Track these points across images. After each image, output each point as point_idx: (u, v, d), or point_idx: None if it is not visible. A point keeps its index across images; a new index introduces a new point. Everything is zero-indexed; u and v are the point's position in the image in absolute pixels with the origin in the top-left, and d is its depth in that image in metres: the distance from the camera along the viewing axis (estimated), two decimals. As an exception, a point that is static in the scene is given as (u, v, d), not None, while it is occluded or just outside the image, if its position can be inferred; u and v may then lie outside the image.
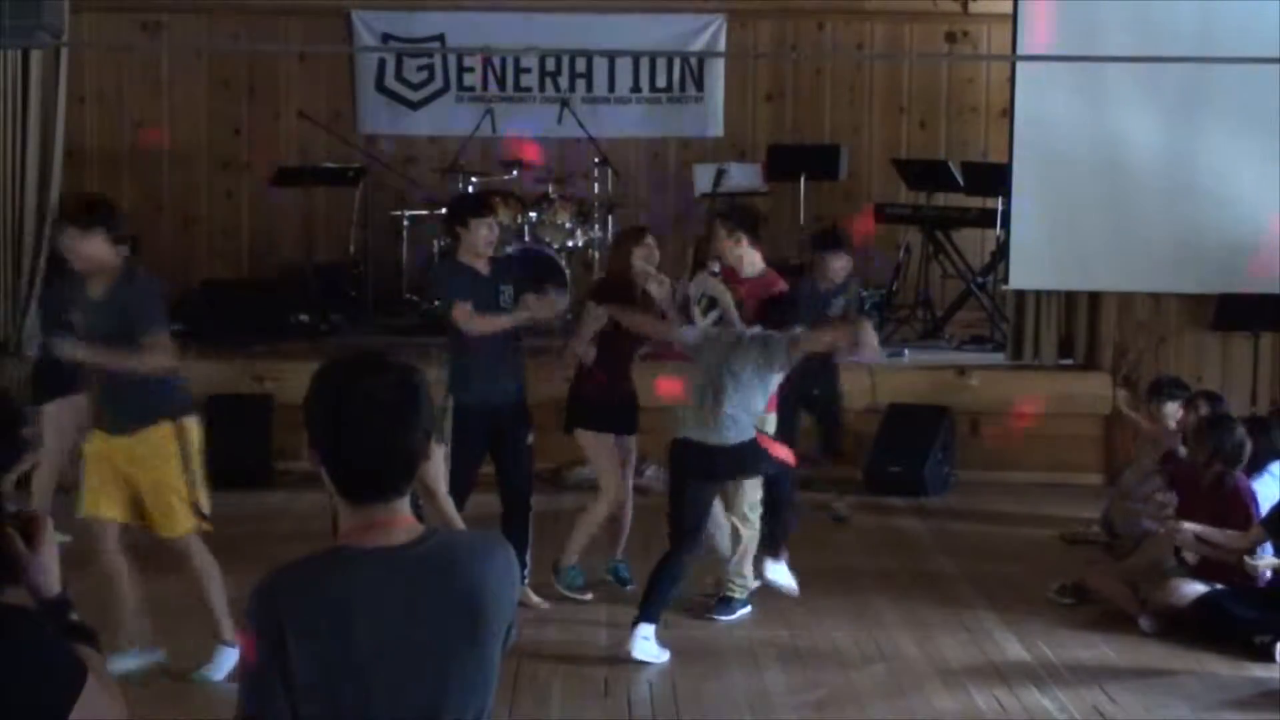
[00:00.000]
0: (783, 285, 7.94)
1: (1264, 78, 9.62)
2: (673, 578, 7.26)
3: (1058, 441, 10.70)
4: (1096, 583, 7.98)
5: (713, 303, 7.81)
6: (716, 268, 8.04)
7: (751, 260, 7.95)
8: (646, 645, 7.11)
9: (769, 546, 7.54)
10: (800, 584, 7.62)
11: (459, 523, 7.54)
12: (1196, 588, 7.52)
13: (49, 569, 2.96)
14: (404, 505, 2.81)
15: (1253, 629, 7.26)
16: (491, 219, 7.83)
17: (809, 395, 8.96)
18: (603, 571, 8.12)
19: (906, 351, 11.37)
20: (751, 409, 7.22)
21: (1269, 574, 7.45)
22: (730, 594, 7.77)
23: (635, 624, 7.13)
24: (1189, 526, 7.53)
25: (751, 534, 7.77)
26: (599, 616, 7.73)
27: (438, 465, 7.49)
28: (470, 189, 11.99)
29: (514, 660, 6.61)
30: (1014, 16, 10.33)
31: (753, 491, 7.67)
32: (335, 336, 11.68)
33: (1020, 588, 8.25)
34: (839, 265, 9.15)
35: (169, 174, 13.13)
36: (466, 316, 7.52)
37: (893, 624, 7.70)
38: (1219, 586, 7.51)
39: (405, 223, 12.39)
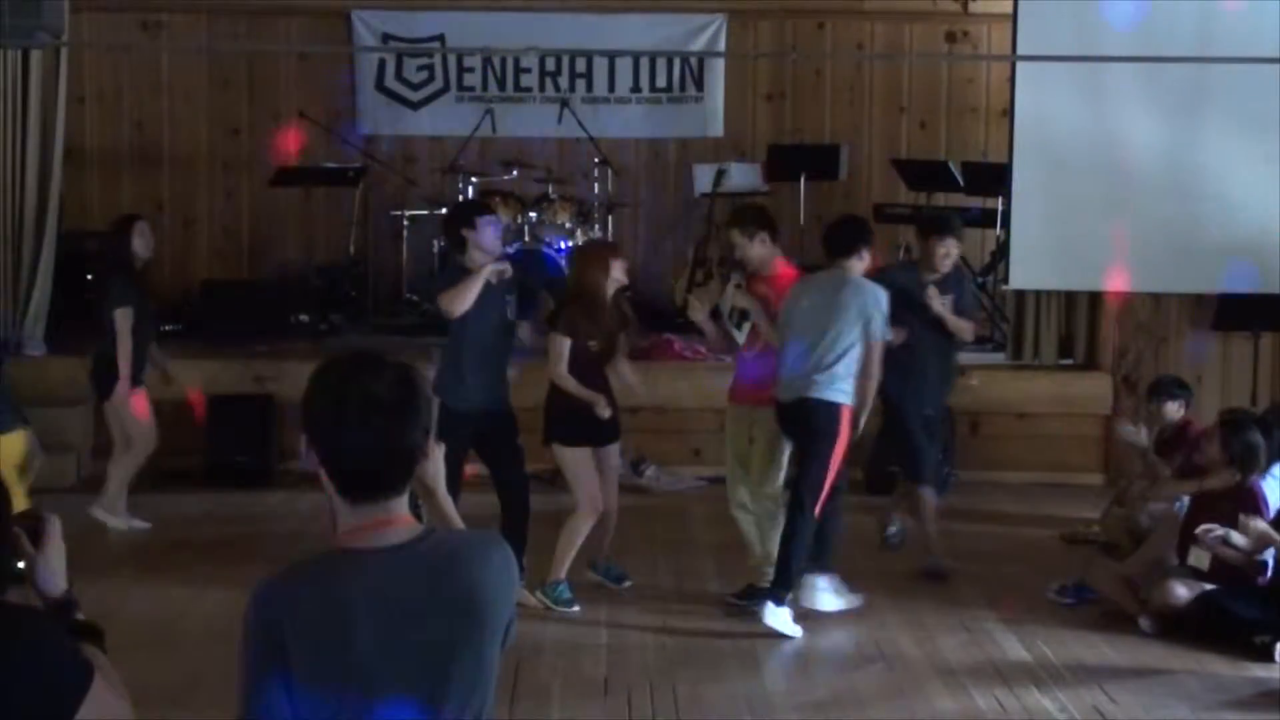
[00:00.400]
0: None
1: (1264, 78, 9.63)
2: (790, 542, 7.51)
3: (1058, 441, 10.70)
4: (1096, 583, 7.97)
5: (744, 315, 7.77)
6: (739, 279, 7.89)
7: (774, 257, 7.91)
8: (826, 597, 7.65)
9: (774, 588, 7.46)
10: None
11: (458, 522, 7.55)
12: (1196, 587, 7.50)
13: (55, 569, 2.98)
14: (402, 505, 2.81)
15: (1253, 629, 7.26)
16: (495, 216, 7.97)
17: (924, 415, 8.49)
18: (593, 575, 8.10)
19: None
20: (831, 368, 7.42)
21: (1270, 563, 7.44)
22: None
23: (812, 576, 7.58)
24: (1224, 533, 7.46)
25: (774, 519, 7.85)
26: (599, 616, 7.73)
27: (437, 464, 7.49)
28: (470, 189, 12.02)
29: (514, 660, 6.61)
30: (1014, 16, 10.33)
31: (775, 478, 7.76)
32: (335, 336, 11.68)
33: (1020, 588, 8.24)
34: (942, 252, 8.35)
35: (169, 174, 13.13)
36: (445, 298, 7.64)
37: (893, 624, 7.70)
38: (1218, 586, 7.49)
39: (405, 223, 12.41)
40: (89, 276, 11.90)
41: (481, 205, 8.39)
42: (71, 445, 10.24)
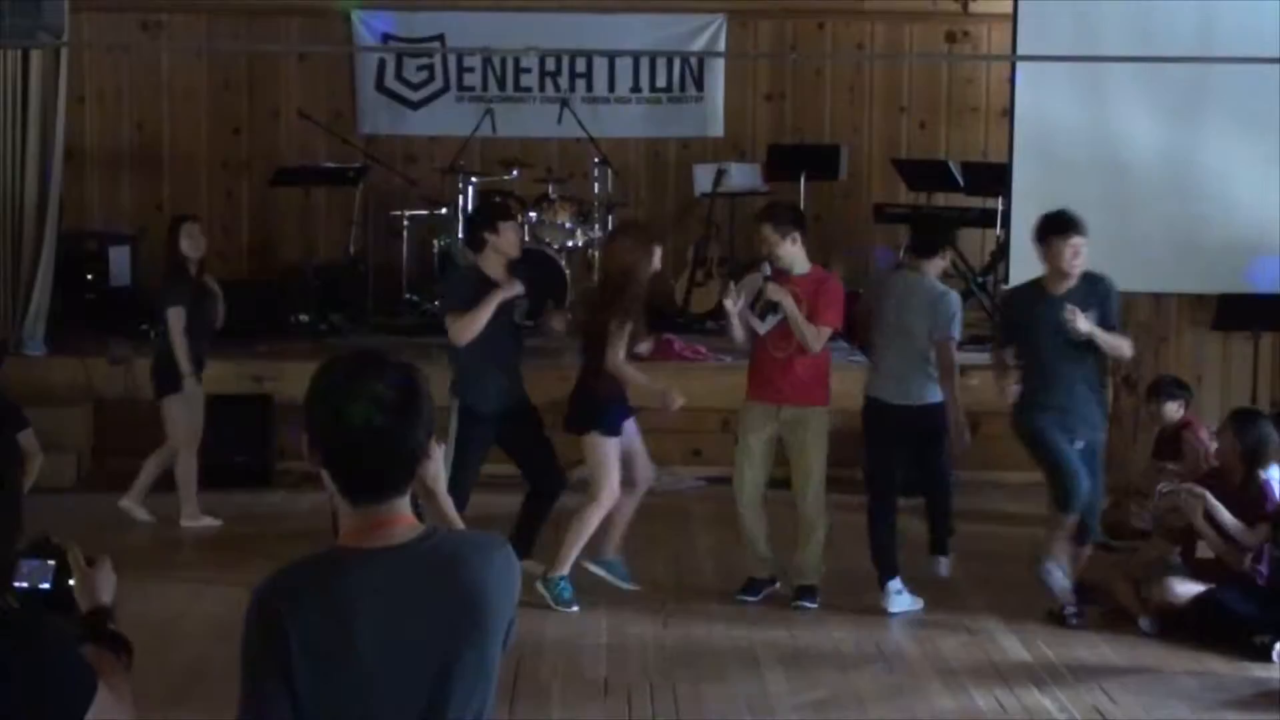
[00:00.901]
0: (835, 280, 7.98)
1: (1264, 78, 9.63)
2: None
3: (1058, 441, 10.67)
4: (1096, 582, 7.97)
5: (769, 307, 7.71)
6: (768, 271, 7.76)
7: (802, 258, 7.86)
8: (899, 599, 7.81)
9: (885, 577, 7.92)
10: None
11: (459, 523, 7.47)
12: (1195, 586, 7.50)
13: (102, 585, 3.10)
14: (404, 505, 2.81)
15: (1253, 627, 7.26)
16: (516, 222, 8.09)
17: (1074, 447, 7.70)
18: (596, 570, 8.01)
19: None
20: (927, 369, 7.83)
21: (1264, 570, 7.44)
22: (810, 582, 7.88)
23: (882, 584, 7.84)
24: (1212, 502, 7.45)
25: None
26: (599, 615, 7.72)
27: (438, 465, 7.46)
28: (470, 189, 12.02)
29: (514, 660, 6.61)
30: (1014, 16, 10.34)
31: (820, 485, 7.86)
32: (335, 336, 11.68)
33: (1020, 588, 8.23)
34: (1070, 252, 7.48)
35: (169, 174, 13.13)
36: (454, 325, 7.70)
37: (893, 624, 7.71)
38: (1217, 586, 7.48)
39: (405, 223, 12.40)
40: (89, 276, 11.91)
41: (505, 209, 8.47)
42: (71, 445, 10.23)
